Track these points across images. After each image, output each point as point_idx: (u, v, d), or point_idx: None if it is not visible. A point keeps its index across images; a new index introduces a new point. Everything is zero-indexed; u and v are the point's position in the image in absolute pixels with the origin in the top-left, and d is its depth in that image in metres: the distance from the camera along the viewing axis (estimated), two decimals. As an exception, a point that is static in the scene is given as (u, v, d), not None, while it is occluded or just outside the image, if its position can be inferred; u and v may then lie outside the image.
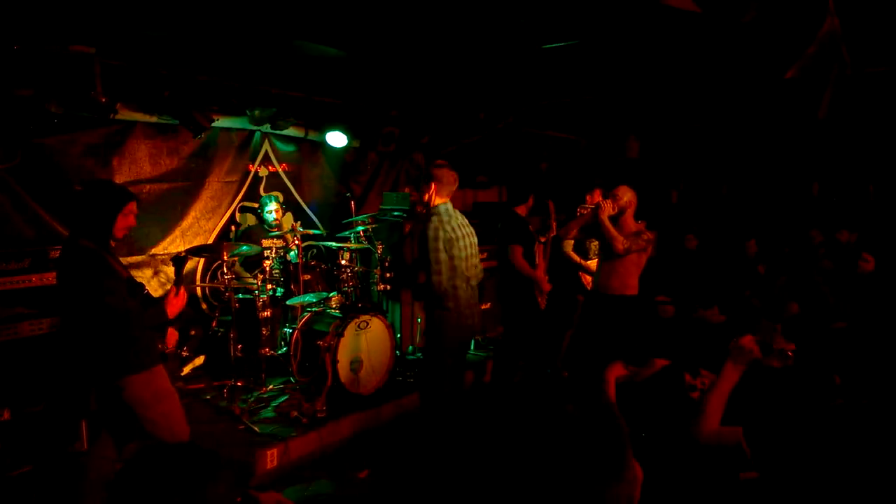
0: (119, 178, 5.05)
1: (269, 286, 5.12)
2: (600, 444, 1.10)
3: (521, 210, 4.98)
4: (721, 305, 6.48)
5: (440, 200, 3.80)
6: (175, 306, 3.01)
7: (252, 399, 4.78)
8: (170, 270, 5.39)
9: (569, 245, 5.51)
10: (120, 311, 2.80)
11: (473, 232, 3.95)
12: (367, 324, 5.02)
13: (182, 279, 3.16)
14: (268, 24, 4.36)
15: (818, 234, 7.19)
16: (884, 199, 7.56)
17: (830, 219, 7.40)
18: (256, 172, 6.16)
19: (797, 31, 4.80)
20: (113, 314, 2.78)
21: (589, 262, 5.58)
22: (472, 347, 6.52)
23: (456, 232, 3.76)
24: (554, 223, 4.95)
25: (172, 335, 3.40)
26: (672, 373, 2.98)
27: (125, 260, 5.06)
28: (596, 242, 5.68)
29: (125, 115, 4.87)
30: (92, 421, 3.71)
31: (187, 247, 5.35)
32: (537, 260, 4.96)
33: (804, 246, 7.18)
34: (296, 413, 4.52)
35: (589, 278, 5.58)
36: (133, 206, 3.03)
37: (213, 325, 5.40)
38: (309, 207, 6.67)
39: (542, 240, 5.10)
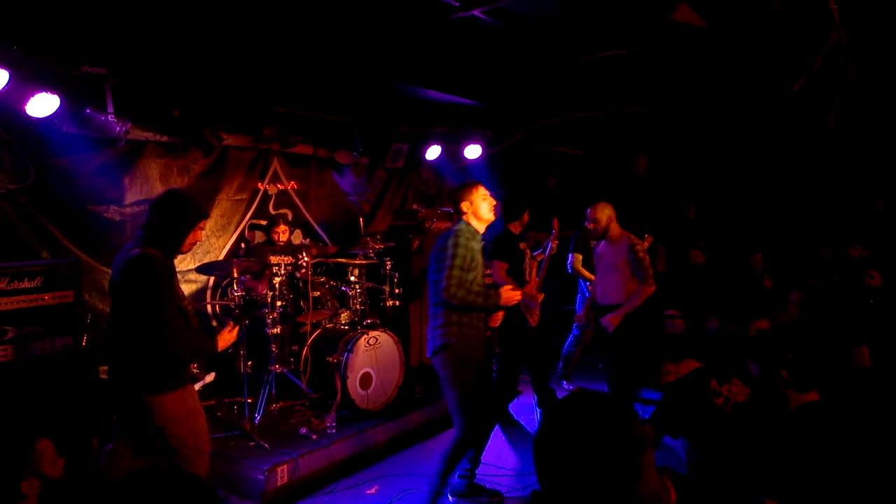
0: (130, 198, 5.11)
1: (279, 303, 5.12)
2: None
3: (515, 227, 4.94)
4: (732, 319, 6.44)
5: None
6: (226, 342, 3.03)
7: (262, 416, 4.77)
8: (181, 287, 5.41)
9: (578, 261, 5.50)
10: (176, 327, 2.79)
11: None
12: (377, 340, 5.02)
13: (241, 320, 3.15)
14: (276, 44, 4.42)
15: (828, 251, 7.17)
16: (893, 215, 7.53)
17: (840, 234, 7.36)
18: (266, 190, 6.21)
19: (804, 45, 4.84)
20: (168, 328, 2.76)
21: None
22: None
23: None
24: (555, 241, 4.96)
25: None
26: (701, 377, 2.97)
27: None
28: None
29: (136, 134, 4.95)
30: (103, 438, 3.71)
31: (197, 264, 5.38)
32: (527, 276, 4.92)
33: (813, 262, 7.15)
34: (306, 429, 4.50)
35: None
36: (204, 223, 3.06)
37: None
38: (318, 225, 6.70)
39: (539, 258, 5.06)
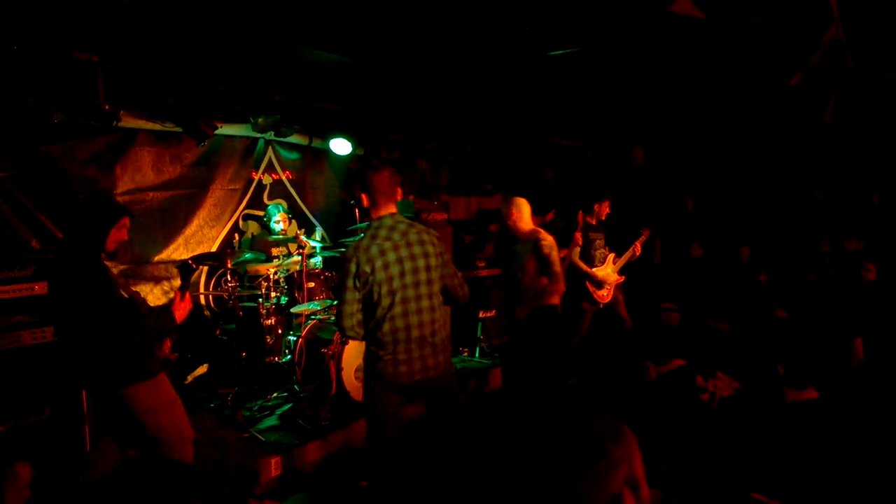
0: (122, 186, 5.04)
1: (273, 294, 5.09)
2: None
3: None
4: (726, 314, 6.45)
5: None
6: (182, 311, 3.00)
7: (256, 407, 4.75)
8: (174, 279, 5.37)
9: (576, 253, 5.48)
10: (121, 317, 2.78)
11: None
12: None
13: (188, 286, 3.15)
14: (272, 32, 4.36)
15: (826, 243, 7.17)
16: (888, 208, 7.53)
17: (835, 227, 7.37)
18: (260, 180, 6.15)
19: (802, 38, 4.81)
20: (114, 321, 2.76)
21: (594, 269, 5.55)
22: (477, 354, 6.50)
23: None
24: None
25: (167, 342, 3.41)
26: (685, 373, 2.96)
27: (128, 266, 5.05)
28: (601, 251, 5.67)
29: (128, 122, 4.87)
30: (94, 426, 3.68)
31: (191, 254, 5.33)
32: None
33: (809, 255, 7.15)
34: (300, 421, 4.48)
35: (592, 286, 5.55)
36: (126, 220, 3.05)
37: (217, 333, 5.37)
38: (313, 215, 6.66)
39: (563, 253, 5.04)
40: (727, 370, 2.96)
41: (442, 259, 3.07)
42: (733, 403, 2.83)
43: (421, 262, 2.97)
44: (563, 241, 5.25)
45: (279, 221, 5.80)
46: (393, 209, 3.05)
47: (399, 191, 3.09)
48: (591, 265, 5.57)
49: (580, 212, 5.25)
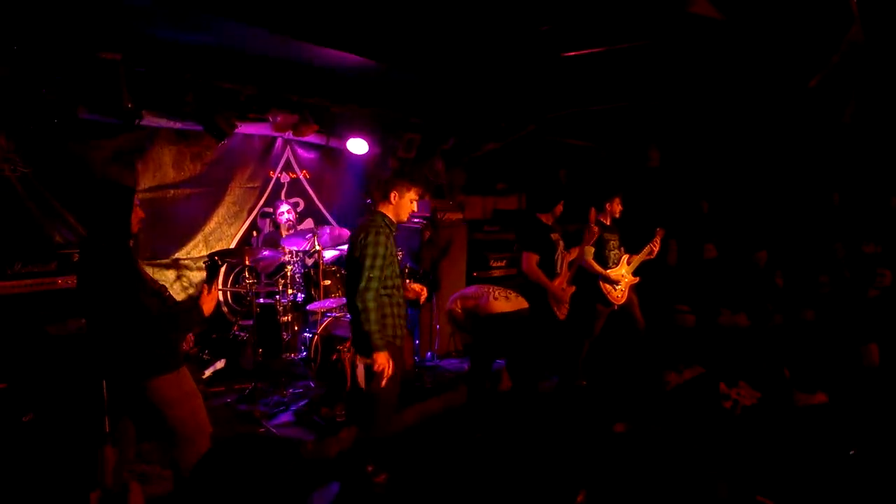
0: (144, 183, 5.14)
1: (290, 291, 5.15)
2: None
3: (547, 218, 4.86)
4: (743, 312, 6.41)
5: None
6: (210, 304, 3.05)
7: (272, 403, 4.80)
8: (193, 275, 5.45)
9: (589, 252, 5.45)
10: (150, 310, 2.83)
11: None
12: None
13: (214, 280, 3.20)
14: (291, 31, 4.41)
15: (841, 247, 7.11)
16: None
17: (852, 230, 7.30)
18: (278, 179, 6.22)
19: (821, 39, 4.77)
20: (143, 313, 2.81)
21: (608, 270, 5.54)
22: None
23: None
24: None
25: (189, 336, 3.46)
26: (708, 380, 2.97)
27: (148, 263, 5.13)
28: (616, 252, 5.65)
29: (150, 120, 4.96)
30: (113, 417, 3.75)
31: (210, 251, 5.41)
32: (559, 269, 4.85)
33: (825, 259, 7.09)
34: (315, 417, 4.52)
35: (608, 287, 5.54)
36: (136, 198, 3.09)
37: (235, 329, 5.44)
38: (330, 214, 6.71)
39: (574, 252, 5.02)
40: (746, 377, 2.97)
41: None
42: (755, 413, 2.84)
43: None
44: (577, 244, 5.24)
45: (283, 213, 5.83)
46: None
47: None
48: (605, 266, 5.55)
49: (592, 209, 5.23)
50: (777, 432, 2.49)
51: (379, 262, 3.36)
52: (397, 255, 3.63)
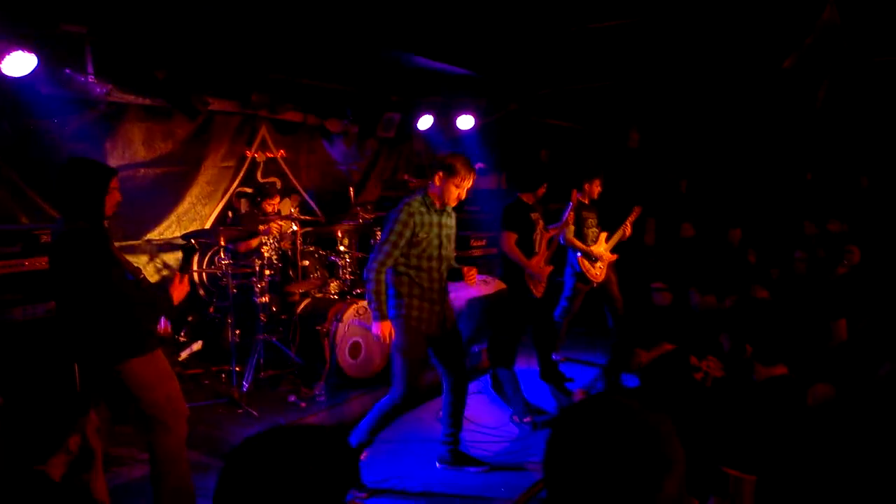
0: (113, 162, 4.98)
1: (268, 272, 5.07)
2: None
3: (528, 198, 4.86)
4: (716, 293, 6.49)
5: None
6: (180, 292, 2.98)
7: (250, 384, 4.75)
8: (167, 257, 5.34)
9: (570, 231, 5.48)
10: (125, 293, 2.76)
11: None
12: (366, 309, 4.98)
13: (188, 267, 3.12)
14: (266, 8, 4.30)
15: (811, 226, 7.24)
16: (877, 192, 7.60)
17: (824, 209, 7.43)
18: (254, 158, 6.09)
19: (796, 20, 4.81)
20: (118, 296, 2.74)
21: (591, 247, 5.58)
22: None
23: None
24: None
25: (164, 320, 3.39)
26: (678, 355, 3.00)
27: (120, 244, 5.00)
28: (594, 230, 5.68)
29: (118, 97, 4.79)
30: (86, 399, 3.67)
31: (183, 232, 5.29)
32: (537, 248, 4.87)
33: (798, 237, 7.22)
34: (294, 397, 4.49)
35: (587, 265, 5.58)
36: (116, 181, 2.97)
37: (211, 310, 5.35)
38: (307, 193, 6.62)
39: (553, 231, 5.03)
40: (714, 352, 3.01)
41: None
42: (724, 384, 2.88)
43: None
44: (556, 223, 5.26)
45: (272, 204, 5.72)
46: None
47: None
48: (584, 243, 5.59)
49: (574, 190, 5.25)
50: (742, 404, 2.53)
51: (398, 239, 3.41)
52: (440, 237, 3.59)
